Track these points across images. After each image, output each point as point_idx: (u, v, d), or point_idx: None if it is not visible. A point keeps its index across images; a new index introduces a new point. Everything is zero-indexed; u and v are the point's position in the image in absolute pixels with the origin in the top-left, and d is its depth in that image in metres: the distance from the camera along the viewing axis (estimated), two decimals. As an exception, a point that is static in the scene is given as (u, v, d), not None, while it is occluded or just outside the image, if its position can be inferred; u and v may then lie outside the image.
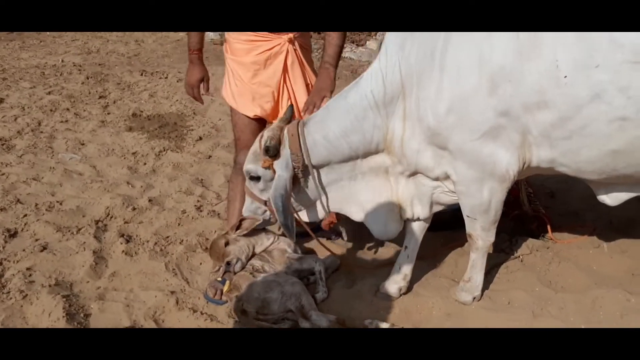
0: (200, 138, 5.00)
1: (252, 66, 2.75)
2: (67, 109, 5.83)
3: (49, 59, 8.28)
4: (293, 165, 2.36)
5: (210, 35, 9.87)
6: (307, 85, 2.86)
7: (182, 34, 10.57)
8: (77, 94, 6.39)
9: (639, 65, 1.83)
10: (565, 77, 1.90)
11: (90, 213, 3.56)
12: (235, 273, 2.65)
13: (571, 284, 2.72)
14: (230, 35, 2.80)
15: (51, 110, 5.77)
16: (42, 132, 5.12)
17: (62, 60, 8.18)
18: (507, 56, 1.98)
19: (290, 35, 2.74)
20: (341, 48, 2.79)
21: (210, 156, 4.61)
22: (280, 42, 2.73)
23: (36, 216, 3.46)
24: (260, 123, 2.92)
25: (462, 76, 2.06)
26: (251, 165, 2.51)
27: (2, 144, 4.71)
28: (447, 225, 3.17)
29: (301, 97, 2.82)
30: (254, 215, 2.70)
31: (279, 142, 2.38)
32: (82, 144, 4.83)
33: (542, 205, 3.34)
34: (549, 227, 3.09)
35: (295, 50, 2.77)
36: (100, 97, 6.30)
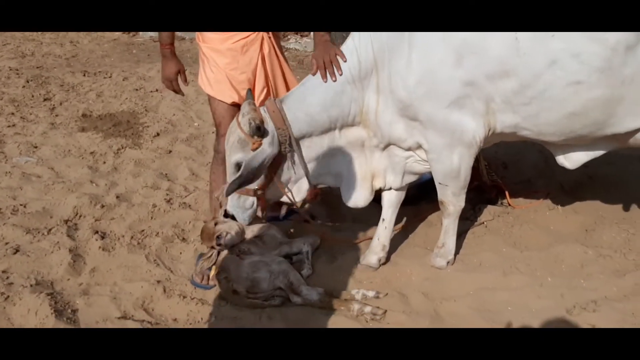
0: (158, 134, 4.96)
1: (229, 52, 2.79)
2: (12, 113, 5.62)
3: (-19, 65, 7.92)
4: (280, 140, 2.42)
5: (149, 32, 9.72)
6: (282, 73, 2.94)
7: (117, 34, 10.35)
8: (19, 98, 6.16)
9: (589, 32, 2.03)
10: (524, 46, 2.09)
11: (58, 213, 3.50)
12: (226, 247, 2.66)
13: (533, 243, 2.95)
14: None
15: (-5, 116, 5.57)
16: (-11, 137, 4.94)
17: (-4, 65, 7.85)
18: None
19: None
20: None
21: (170, 151, 4.60)
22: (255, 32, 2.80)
23: (2, 220, 3.38)
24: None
25: (429, 50, 2.22)
26: (240, 153, 2.45)
27: (-51, 152, 4.53)
28: (413, 200, 3.35)
29: (280, 84, 2.90)
30: (242, 209, 2.63)
31: (262, 120, 2.41)
32: (36, 147, 4.70)
33: (497, 175, 3.57)
34: (507, 195, 3.31)
35: (270, 38, 2.84)
36: (45, 100, 6.11)
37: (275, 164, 2.48)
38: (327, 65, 2.40)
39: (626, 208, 3.16)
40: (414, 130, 2.42)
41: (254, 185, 2.53)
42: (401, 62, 2.27)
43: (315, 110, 2.42)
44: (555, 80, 2.13)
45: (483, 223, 3.17)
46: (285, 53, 3.38)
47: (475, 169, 3.47)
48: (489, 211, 3.26)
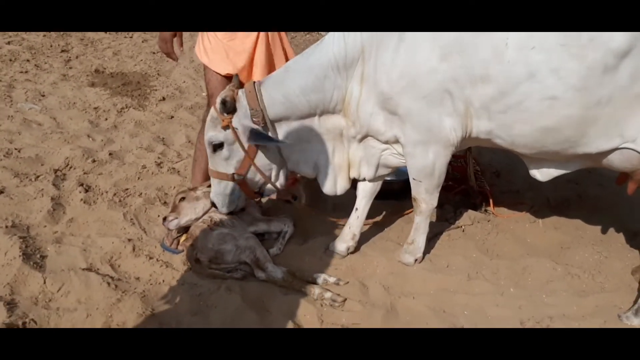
0: (164, 98, 5.02)
1: None
2: (28, 60, 5.74)
3: (8, 9, 8.04)
4: (253, 121, 2.44)
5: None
6: (283, 48, 2.95)
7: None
8: (38, 46, 6.28)
9: (568, 48, 2.01)
10: (507, 54, 2.07)
11: (49, 162, 3.58)
12: (169, 229, 2.76)
13: (506, 252, 2.94)
14: None
15: (10, 60, 5.67)
16: (0, 80, 5.04)
17: (23, 11, 7.95)
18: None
19: None
20: None
21: (172, 116, 4.65)
22: None
23: (-6, 161, 3.47)
24: None
25: (417, 45, 2.20)
26: (211, 132, 2.51)
27: (-42, 90, 4.63)
28: (397, 195, 3.36)
29: (279, 61, 2.90)
30: (222, 196, 2.65)
31: (234, 100, 2.44)
32: (43, 96, 4.79)
33: (487, 182, 3.56)
34: (491, 202, 3.30)
35: None
36: (62, 51, 6.21)
37: (252, 148, 2.50)
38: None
39: (605, 231, 3.13)
40: (392, 124, 2.42)
41: (230, 169, 2.55)
42: (388, 54, 2.27)
43: (293, 94, 2.42)
44: (532, 92, 2.10)
45: (461, 227, 3.16)
46: (307, 36, 3.39)
47: (464, 173, 3.49)
48: (470, 216, 3.25)
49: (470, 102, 2.24)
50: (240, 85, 2.56)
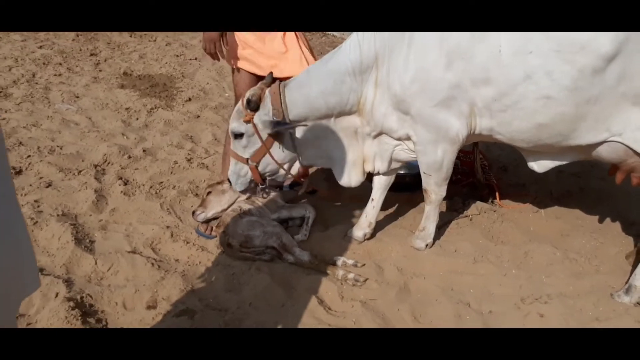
0: (190, 99, 5.33)
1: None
2: (60, 64, 6.08)
3: (37, 14, 8.40)
4: (274, 119, 2.71)
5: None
6: (305, 50, 3.20)
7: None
8: (68, 50, 6.62)
9: (562, 54, 2.27)
10: (506, 59, 2.34)
11: (89, 158, 3.90)
12: (199, 221, 3.10)
13: (510, 239, 3.20)
14: None
15: (44, 64, 6.02)
16: (37, 83, 5.38)
17: (51, 17, 8.31)
18: (462, 37, 2.40)
19: None
20: None
21: (198, 116, 4.96)
22: None
23: (39, 157, 3.80)
24: None
25: (425, 51, 2.47)
26: (235, 122, 2.81)
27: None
28: (409, 187, 3.63)
29: (296, 63, 3.15)
30: (236, 176, 2.94)
31: (260, 98, 2.71)
32: (77, 97, 5.12)
33: (495, 176, 3.82)
34: (497, 194, 3.56)
35: None
36: (91, 55, 6.55)
37: (269, 141, 2.79)
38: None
39: (603, 220, 3.37)
40: (405, 123, 2.69)
41: (246, 155, 2.84)
42: (400, 60, 2.54)
43: (314, 96, 2.69)
44: (529, 92, 2.36)
45: (468, 216, 3.42)
46: (323, 38, 3.69)
47: (472, 168, 3.76)
48: (477, 207, 3.51)
49: (473, 102, 2.50)
50: (272, 82, 2.83)
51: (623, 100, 2.34)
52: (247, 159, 2.86)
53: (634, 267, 2.71)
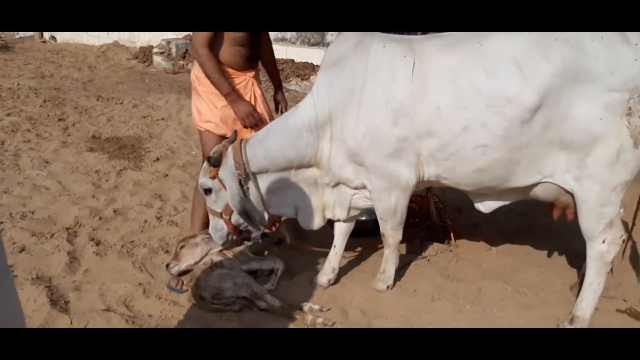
0: (158, 159, 5.51)
1: None
2: (28, 130, 6.21)
3: (3, 82, 8.55)
4: (237, 172, 2.93)
5: (162, 64, 10.39)
6: (267, 111, 3.51)
7: (133, 62, 11.05)
8: (36, 116, 6.76)
9: (492, 108, 2.56)
10: (444, 114, 2.62)
11: (61, 222, 4.02)
12: (172, 275, 3.26)
13: (465, 277, 3.42)
14: (200, 73, 3.30)
15: (13, 131, 6.13)
16: (6, 150, 5.50)
17: (18, 84, 8.47)
18: (405, 96, 2.67)
19: (253, 72, 3.38)
20: None
21: (167, 175, 5.13)
22: (246, 78, 3.35)
23: (12, 223, 3.90)
24: None
25: (374, 110, 2.74)
26: (202, 178, 3.06)
27: (-30, 161, 5.08)
28: (371, 232, 3.85)
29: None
30: (214, 230, 3.15)
31: (221, 155, 2.96)
32: (47, 162, 5.25)
33: (450, 218, 4.07)
34: (452, 235, 3.81)
35: (258, 84, 3.41)
36: (59, 120, 6.70)
37: None
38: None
39: (550, 254, 3.64)
40: (360, 174, 2.93)
41: (218, 208, 3.05)
42: (352, 118, 2.79)
43: (273, 150, 2.93)
44: (467, 142, 2.64)
45: (426, 257, 3.65)
46: (286, 94, 4.01)
47: (427, 211, 4.01)
48: (434, 248, 3.74)
49: (420, 153, 2.77)
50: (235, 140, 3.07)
51: (550, 146, 2.64)
52: (220, 213, 3.05)
53: (577, 297, 2.95)
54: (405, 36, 2.93)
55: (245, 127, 3.32)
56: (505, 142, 2.60)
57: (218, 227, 3.13)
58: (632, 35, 2.52)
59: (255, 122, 3.30)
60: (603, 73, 2.47)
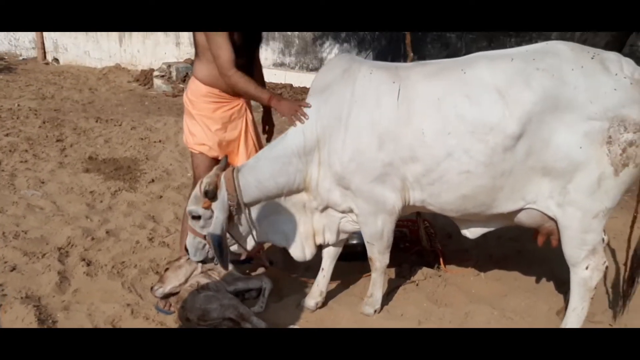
0: (153, 180, 5.56)
1: (220, 120, 3.37)
2: (26, 150, 6.27)
3: (4, 103, 8.65)
4: (229, 204, 2.92)
5: (162, 87, 10.52)
6: (257, 135, 3.57)
7: (134, 85, 11.17)
8: (35, 137, 6.83)
9: (476, 134, 2.61)
10: (429, 140, 2.67)
11: (53, 241, 4.05)
12: (156, 297, 3.27)
13: (452, 301, 3.43)
14: (194, 97, 3.38)
15: (10, 151, 6.19)
16: (3, 170, 5.55)
17: (18, 105, 8.57)
18: (390, 122, 2.73)
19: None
20: None
21: (161, 196, 5.17)
22: (240, 103, 3.40)
23: (4, 242, 3.93)
24: None
25: (360, 135, 2.79)
26: (193, 206, 3.00)
27: (-34, 180, 5.13)
28: (361, 256, 3.87)
29: (251, 148, 3.50)
30: (195, 249, 3.12)
31: (217, 187, 2.93)
32: (43, 183, 5.29)
33: (440, 243, 4.10)
34: (441, 260, 3.84)
35: (250, 110, 3.48)
36: (57, 141, 6.76)
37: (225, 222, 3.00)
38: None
39: (538, 280, 3.66)
40: (347, 197, 2.97)
41: (204, 233, 3.03)
42: (338, 143, 2.85)
43: (265, 178, 2.94)
44: (451, 168, 2.69)
45: (415, 282, 3.66)
46: (283, 117, 4.08)
47: (417, 236, 4.04)
48: (423, 272, 3.76)
49: (405, 177, 2.81)
50: (226, 166, 3.09)
51: (533, 173, 2.68)
52: (204, 235, 3.06)
53: (562, 322, 2.96)
54: (392, 63, 3.00)
55: (292, 124, 3.06)
56: (488, 169, 2.65)
57: (199, 247, 3.09)
58: (612, 65, 2.59)
59: (301, 108, 3.04)
60: (583, 102, 2.53)
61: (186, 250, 3.15)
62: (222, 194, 2.93)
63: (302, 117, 2.95)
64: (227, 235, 3.03)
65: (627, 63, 2.62)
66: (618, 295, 3.34)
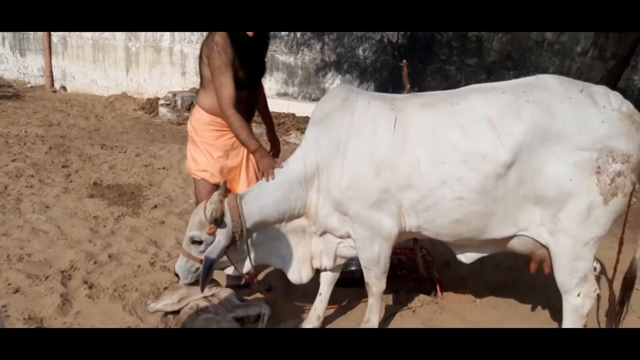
0: (156, 206, 5.64)
1: (222, 147, 3.49)
2: (32, 176, 6.38)
3: (12, 129, 8.80)
4: (233, 230, 2.98)
5: (167, 115, 10.69)
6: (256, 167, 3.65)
7: (139, 113, 11.35)
8: (41, 163, 6.95)
9: (468, 163, 2.71)
10: (423, 168, 2.77)
11: (57, 265, 4.12)
12: (150, 312, 3.30)
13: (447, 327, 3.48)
14: (197, 125, 3.51)
15: (17, 176, 6.30)
16: (9, 194, 5.65)
17: (25, 131, 8.72)
18: (387, 150, 2.83)
19: None
20: None
21: (163, 222, 5.25)
22: None
23: (8, 265, 4.00)
24: None
25: (357, 163, 2.89)
26: (197, 231, 3.03)
27: (-27, 204, 5.22)
28: (359, 282, 3.92)
29: (252, 175, 3.61)
30: (187, 272, 3.16)
31: (222, 214, 2.97)
32: (47, 207, 5.38)
33: (438, 270, 4.16)
34: (438, 287, 3.89)
35: None
36: (63, 167, 6.88)
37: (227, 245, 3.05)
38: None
39: (534, 308, 3.71)
40: (344, 223, 3.05)
41: (201, 256, 3.05)
42: (337, 169, 2.94)
43: (267, 205, 3.02)
44: (445, 195, 2.78)
45: (412, 309, 3.71)
46: (285, 146, 4.18)
47: (414, 263, 4.10)
48: (420, 299, 3.81)
49: (401, 204, 2.90)
50: (226, 192, 3.16)
51: (524, 201, 2.77)
52: (201, 259, 3.10)
53: (555, 348, 3.00)
54: (389, 94, 3.12)
55: (261, 178, 3.26)
56: (481, 196, 2.73)
57: (192, 270, 3.13)
58: (600, 98, 2.70)
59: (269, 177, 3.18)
60: (572, 133, 2.63)
61: (175, 274, 3.20)
62: (227, 220, 2.99)
63: (269, 177, 3.07)
64: (224, 257, 3.10)
65: (615, 96, 2.73)
66: (612, 322, 3.38)
